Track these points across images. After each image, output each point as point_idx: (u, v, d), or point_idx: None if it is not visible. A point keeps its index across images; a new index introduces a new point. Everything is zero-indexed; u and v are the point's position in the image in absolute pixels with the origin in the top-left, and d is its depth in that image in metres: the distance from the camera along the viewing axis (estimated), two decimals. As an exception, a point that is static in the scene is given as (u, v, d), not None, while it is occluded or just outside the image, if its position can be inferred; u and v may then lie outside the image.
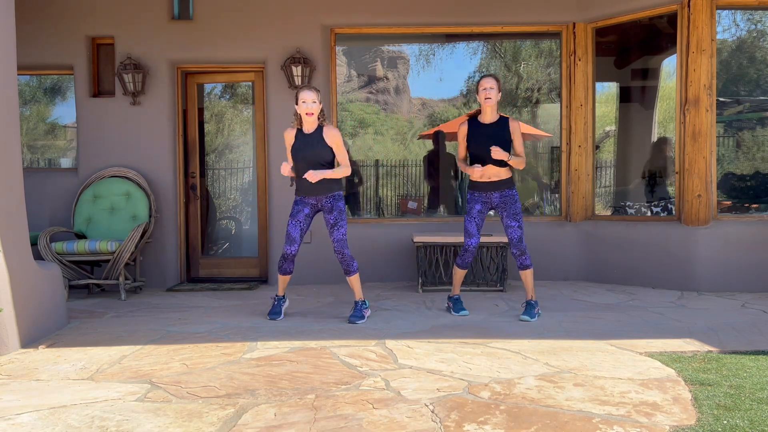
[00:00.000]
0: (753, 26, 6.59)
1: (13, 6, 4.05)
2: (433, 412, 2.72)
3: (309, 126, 4.64)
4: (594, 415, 2.67)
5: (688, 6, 5.63)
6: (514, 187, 4.73)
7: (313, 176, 4.49)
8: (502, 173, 4.68)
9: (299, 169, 4.65)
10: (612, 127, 7.77)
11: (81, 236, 6.01)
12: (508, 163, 4.65)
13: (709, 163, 5.64)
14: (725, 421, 2.56)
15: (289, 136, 4.68)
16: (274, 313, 4.75)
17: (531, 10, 6.36)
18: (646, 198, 7.02)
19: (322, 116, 4.67)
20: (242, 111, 7.19)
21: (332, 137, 4.60)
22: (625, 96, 7.81)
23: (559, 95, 6.57)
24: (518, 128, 4.68)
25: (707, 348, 3.72)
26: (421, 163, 7.56)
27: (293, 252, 4.67)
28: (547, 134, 7.49)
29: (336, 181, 4.66)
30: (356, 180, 7.26)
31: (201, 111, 6.83)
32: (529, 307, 4.68)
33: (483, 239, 5.75)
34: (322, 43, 6.37)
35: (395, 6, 6.37)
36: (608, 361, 3.46)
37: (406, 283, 6.33)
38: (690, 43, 5.64)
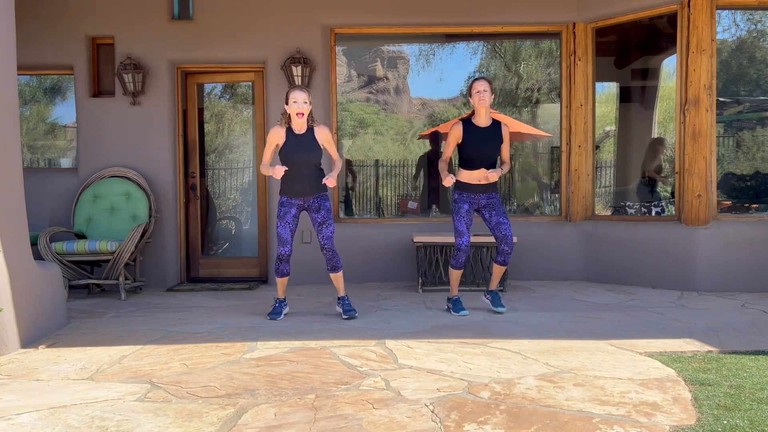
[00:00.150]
0: (753, 26, 6.60)
1: (13, 6, 4.05)
2: (433, 412, 2.72)
3: (299, 126, 4.66)
4: (594, 415, 2.67)
5: (688, 6, 5.63)
6: (498, 191, 4.91)
7: (332, 182, 4.60)
8: (491, 177, 4.79)
9: (289, 169, 4.65)
10: (612, 127, 7.77)
11: (81, 236, 6.01)
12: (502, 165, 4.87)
13: (709, 163, 5.64)
14: (725, 421, 2.56)
15: (278, 134, 4.66)
16: (275, 313, 4.76)
17: (531, 10, 6.36)
18: (646, 198, 7.03)
19: (311, 117, 4.71)
20: (242, 111, 7.19)
21: (324, 136, 4.70)
22: (625, 96, 7.81)
23: (559, 95, 6.57)
24: (508, 134, 4.86)
25: (707, 348, 3.72)
26: (416, 162, 7.56)
27: (288, 252, 4.69)
28: (547, 134, 7.49)
29: (322, 182, 4.71)
30: (349, 180, 7.25)
31: (201, 111, 6.83)
32: (499, 297, 4.92)
33: (484, 239, 5.77)
34: (322, 43, 6.37)
35: (395, 6, 6.37)
36: (608, 361, 3.46)
37: (406, 283, 6.33)
38: (690, 43, 5.64)
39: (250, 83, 6.75)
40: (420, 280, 5.86)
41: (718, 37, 5.82)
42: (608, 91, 7.82)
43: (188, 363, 3.52)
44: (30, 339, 4.00)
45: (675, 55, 5.86)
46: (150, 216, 6.09)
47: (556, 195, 6.85)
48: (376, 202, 7.86)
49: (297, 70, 6.16)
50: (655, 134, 7.52)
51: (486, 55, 7.65)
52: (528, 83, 7.64)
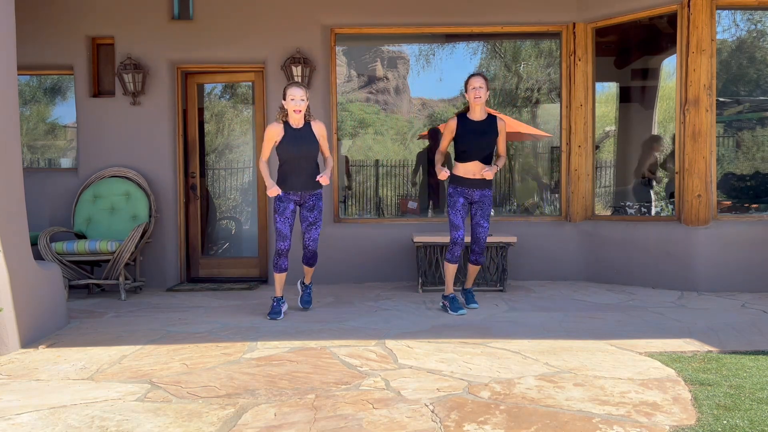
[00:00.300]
0: (753, 26, 6.60)
1: (12, 6, 4.05)
2: (433, 412, 2.72)
3: (296, 121, 4.73)
4: (594, 415, 2.67)
5: (688, 6, 5.63)
6: (492, 188, 4.98)
7: (326, 180, 4.69)
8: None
9: (289, 163, 4.73)
10: (612, 127, 7.78)
11: (81, 236, 6.01)
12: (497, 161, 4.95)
13: (709, 163, 5.64)
14: (725, 421, 2.56)
15: (276, 130, 4.71)
16: (275, 312, 4.77)
17: (531, 10, 6.36)
18: (643, 197, 7.03)
19: (308, 113, 4.78)
20: (242, 111, 7.19)
21: (320, 131, 4.80)
22: (625, 96, 7.82)
23: (559, 95, 6.57)
24: (504, 128, 4.92)
25: (707, 348, 3.71)
26: (415, 159, 7.57)
27: (287, 247, 4.75)
28: (547, 134, 7.49)
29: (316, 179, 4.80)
30: (349, 179, 7.25)
31: (201, 111, 6.83)
32: (472, 295, 5.11)
33: None
34: (322, 43, 6.37)
35: (395, 6, 6.37)
36: (608, 361, 3.46)
37: (406, 283, 6.33)
38: (690, 43, 5.64)
39: (250, 83, 6.75)
40: (420, 280, 5.86)
41: (718, 37, 5.82)
42: (608, 91, 7.82)
43: (188, 363, 3.52)
44: (30, 339, 4.00)
45: (675, 55, 5.86)
46: (150, 216, 6.09)
47: (556, 195, 6.85)
48: (376, 202, 7.86)
49: (297, 71, 6.16)
50: (655, 134, 7.52)
51: (486, 55, 7.66)
52: (528, 83, 7.64)
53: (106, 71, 6.51)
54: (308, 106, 4.75)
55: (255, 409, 2.78)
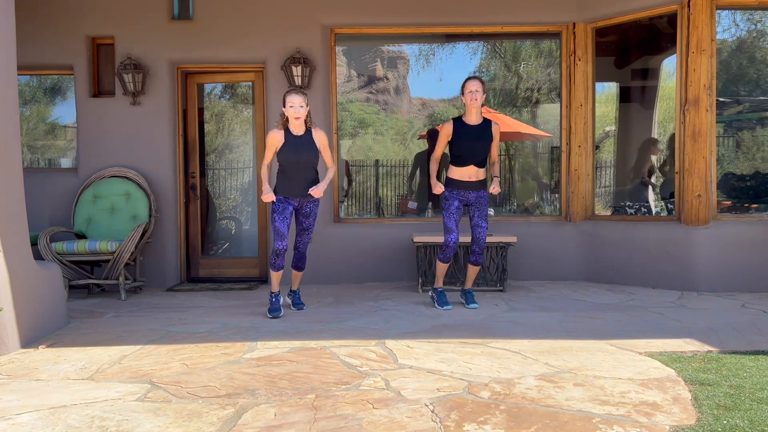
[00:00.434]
0: (753, 26, 6.60)
1: (12, 6, 4.05)
2: (433, 412, 2.72)
3: (297, 128, 4.78)
4: (594, 415, 2.67)
5: (688, 6, 5.63)
6: (487, 188, 5.05)
7: (319, 193, 4.75)
8: (480, 174, 4.97)
9: (288, 169, 4.78)
10: (612, 127, 7.78)
11: (81, 236, 6.01)
12: (492, 172, 5.04)
13: (709, 163, 5.64)
14: (725, 421, 2.56)
15: (277, 137, 4.76)
16: (275, 310, 4.79)
17: (531, 10, 6.36)
18: (641, 197, 7.03)
19: (309, 119, 4.81)
20: (242, 111, 7.19)
21: (321, 139, 4.84)
22: (625, 96, 7.82)
23: (559, 95, 6.57)
24: (498, 132, 4.99)
25: (707, 348, 3.72)
26: (412, 160, 7.57)
27: (285, 247, 4.79)
28: (547, 134, 7.49)
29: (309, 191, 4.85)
30: (346, 183, 7.25)
31: (201, 111, 6.83)
32: (472, 295, 5.13)
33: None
34: (322, 43, 6.37)
35: (395, 6, 6.37)
36: (608, 361, 3.46)
37: (406, 283, 6.33)
38: (690, 43, 5.64)
39: (250, 83, 6.75)
40: (420, 280, 5.86)
41: (718, 37, 5.82)
42: (608, 91, 7.82)
43: (188, 363, 3.52)
44: (30, 339, 4.00)
45: (675, 55, 5.86)
46: (150, 216, 6.09)
47: (556, 195, 6.85)
48: (376, 202, 7.87)
49: (297, 70, 6.16)
50: (655, 134, 7.53)
51: (486, 55, 7.66)
52: (528, 83, 7.64)
53: (106, 71, 6.51)
54: (309, 112, 4.79)
55: (255, 409, 2.78)
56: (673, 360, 3.46)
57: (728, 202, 6.12)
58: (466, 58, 7.44)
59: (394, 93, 8.54)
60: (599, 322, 4.46)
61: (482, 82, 4.86)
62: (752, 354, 3.57)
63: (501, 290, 5.79)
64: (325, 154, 4.89)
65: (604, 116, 7.56)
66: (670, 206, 6.16)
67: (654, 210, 6.81)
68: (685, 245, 5.68)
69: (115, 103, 6.36)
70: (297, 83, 6.18)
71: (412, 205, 7.29)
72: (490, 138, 4.91)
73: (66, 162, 6.89)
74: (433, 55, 7.39)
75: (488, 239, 5.77)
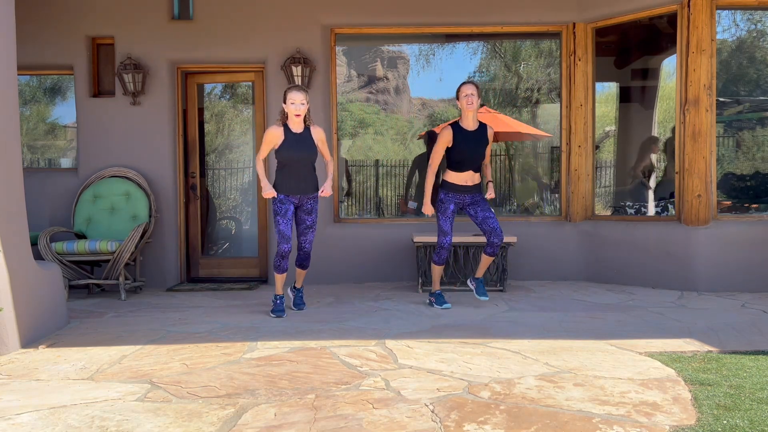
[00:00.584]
0: (753, 26, 6.60)
1: (12, 6, 4.05)
2: (433, 412, 2.72)
3: (296, 126, 4.78)
4: (594, 415, 2.67)
5: (688, 6, 5.63)
6: (482, 191, 5.09)
7: (330, 191, 4.83)
8: (476, 178, 5.02)
9: (288, 167, 4.78)
10: (612, 127, 7.78)
11: (81, 236, 6.01)
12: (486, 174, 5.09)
13: (709, 163, 5.64)
14: (725, 421, 2.56)
15: (277, 134, 4.75)
16: (279, 310, 4.80)
17: (531, 10, 6.36)
18: (641, 197, 7.03)
19: (309, 117, 4.83)
20: (242, 111, 7.19)
21: (320, 136, 4.86)
22: (625, 96, 7.82)
23: (559, 95, 6.57)
24: (493, 135, 5.05)
25: (707, 348, 3.72)
26: (410, 164, 7.58)
27: (290, 249, 4.80)
28: (547, 134, 7.49)
29: (317, 183, 4.93)
30: (346, 182, 7.25)
31: (201, 111, 6.83)
32: (482, 285, 5.13)
33: (473, 239, 5.82)
34: (322, 43, 6.37)
35: (395, 6, 6.37)
36: (608, 361, 3.46)
37: (406, 283, 6.33)
38: (690, 43, 5.64)
39: (250, 83, 6.75)
40: (420, 280, 5.86)
41: (718, 37, 5.82)
42: (608, 91, 7.83)
43: (188, 363, 3.52)
44: (30, 339, 4.00)
45: (675, 55, 5.86)
46: (150, 216, 6.09)
47: (556, 195, 6.85)
48: (376, 202, 7.87)
49: (297, 70, 6.16)
50: (655, 134, 7.52)
51: (486, 55, 7.66)
52: (528, 83, 7.64)
53: (106, 71, 6.51)
54: (308, 110, 4.80)
55: (255, 409, 2.78)
56: (673, 360, 3.46)
57: (728, 202, 6.12)
58: (466, 58, 7.45)
59: (394, 93, 8.54)
60: (599, 322, 4.46)
61: (477, 87, 4.91)
62: (752, 354, 3.57)
63: (501, 290, 5.79)
64: (324, 149, 4.91)
65: (604, 116, 7.56)
66: (670, 206, 6.16)
67: (654, 210, 6.80)
68: (685, 245, 5.68)
69: (115, 103, 6.36)
70: (297, 83, 6.18)
71: (412, 205, 7.29)
72: (487, 142, 4.97)
73: (66, 162, 6.89)
74: (433, 55, 7.39)
75: (477, 240, 5.79)
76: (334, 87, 6.50)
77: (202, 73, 6.68)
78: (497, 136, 5.15)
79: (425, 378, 3.19)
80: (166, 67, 6.35)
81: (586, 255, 6.33)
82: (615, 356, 3.56)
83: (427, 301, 5.22)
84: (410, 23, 6.46)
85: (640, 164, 7.20)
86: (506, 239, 5.78)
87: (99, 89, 6.51)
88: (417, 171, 7.43)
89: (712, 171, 5.66)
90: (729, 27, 6.35)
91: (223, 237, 7.18)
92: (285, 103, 4.72)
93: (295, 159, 4.74)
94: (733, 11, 6.17)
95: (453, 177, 4.95)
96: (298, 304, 5.08)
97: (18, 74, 4.26)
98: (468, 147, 4.88)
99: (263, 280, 6.60)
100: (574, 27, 6.38)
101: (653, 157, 7.23)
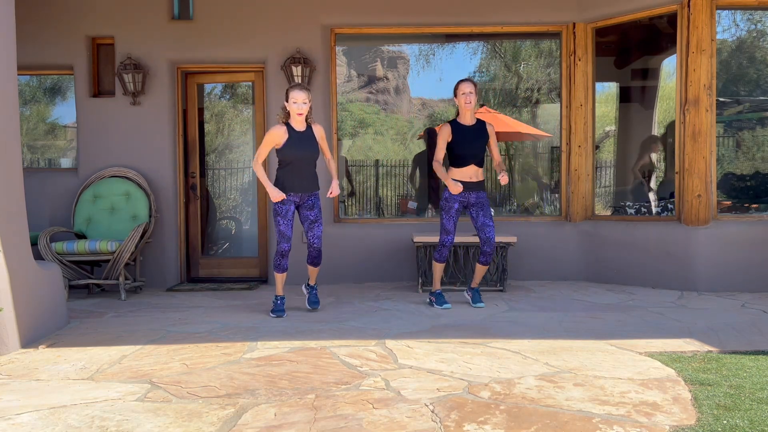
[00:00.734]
0: (753, 26, 6.60)
1: (12, 6, 4.05)
2: (433, 411, 2.72)
3: (299, 124, 4.80)
4: (594, 415, 2.67)
5: (688, 6, 5.63)
6: (486, 190, 5.11)
7: (337, 191, 4.91)
8: (480, 174, 5.02)
9: (291, 165, 4.79)
10: (612, 127, 7.78)
11: (81, 236, 6.01)
12: (499, 168, 5.00)
13: (709, 163, 5.64)
14: (725, 421, 2.56)
15: (280, 133, 4.74)
16: (279, 310, 4.81)
17: (531, 10, 6.36)
18: (641, 197, 7.03)
19: (310, 115, 4.86)
20: (242, 111, 7.19)
21: (320, 133, 4.89)
22: (625, 96, 7.82)
23: (559, 95, 6.57)
24: (494, 131, 5.06)
25: (707, 348, 3.71)
26: (410, 163, 7.58)
27: (290, 248, 4.84)
28: (547, 134, 7.49)
29: (318, 180, 4.95)
30: (346, 183, 7.25)
31: (201, 111, 6.83)
32: (479, 294, 5.15)
33: (473, 240, 5.80)
34: (322, 43, 6.37)
35: (395, 6, 6.37)
36: (608, 361, 3.46)
37: (406, 283, 6.33)
38: (690, 43, 5.64)
39: (250, 83, 6.75)
40: (420, 280, 5.86)
41: (718, 37, 5.82)
42: (608, 91, 7.82)
43: (188, 363, 3.52)
44: (30, 339, 4.00)
45: (675, 55, 5.86)
46: (150, 216, 6.09)
47: (556, 195, 6.85)
48: (376, 202, 7.86)
49: (297, 70, 6.16)
50: (655, 134, 7.52)
51: (486, 55, 7.66)
52: (528, 83, 7.64)
53: (106, 71, 6.51)
54: (310, 108, 4.81)
55: (255, 409, 2.78)
56: (673, 360, 3.46)
57: (728, 202, 6.12)
58: (466, 58, 7.45)
59: (394, 93, 8.54)
60: (599, 322, 4.46)
61: (475, 85, 4.94)
62: (752, 354, 3.57)
63: (501, 290, 5.79)
64: (325, 147, 4.94)
65: (604, 116, 7.56)
66: (670, 206, 6.15)
67: (654, 210, 6.80)
68: (685, 245, 5.68)
69: (115, 103, 6.36)
70: (297, 83, 6.17)
71: (412, 205, 7.29)
72: (487, 136, 4.99)
73: (66, 162, 6.89)
74: (433, 55, 7.39)
75: (476, 240, 5.79)
76: (334, 87, 6.50)
77: (202, 73, 6.68)
78: (497, 136, 5.16)
79: (425, 378, 3.19)
80: (166, 67, 6.35)
81: (586, 255, 6.33)
82: (615, 356, 3.56)
83: (428, 300, 5.22)
84: (410, 23, 6.46)
85: (639, 164, 7.20)
86: (506, 239, 5.79)
87: (99, 89, 6.51)
88: (417, 168, 7.43)
89: (712, 171, 5.66)
90: (729, 27, 6.35)
91: (223, 237, 7.18)
92: (287, 102, 4.73)
93: (299, 157, 4.76)
94: (733, 11, 6.17)
95: (456, 174, 4.97)
96: (313, 302, 5.03)
97: (18, 74, 4.26)
98: (467, 140, 4.93)
99: (263, 280, 6.60)
100: (574, 27, 6.38)
101: (653, 156, 7.23)
